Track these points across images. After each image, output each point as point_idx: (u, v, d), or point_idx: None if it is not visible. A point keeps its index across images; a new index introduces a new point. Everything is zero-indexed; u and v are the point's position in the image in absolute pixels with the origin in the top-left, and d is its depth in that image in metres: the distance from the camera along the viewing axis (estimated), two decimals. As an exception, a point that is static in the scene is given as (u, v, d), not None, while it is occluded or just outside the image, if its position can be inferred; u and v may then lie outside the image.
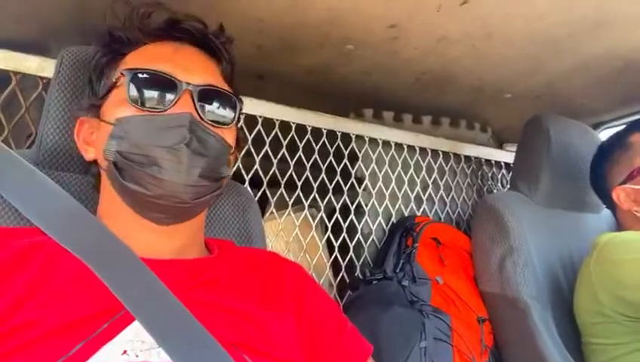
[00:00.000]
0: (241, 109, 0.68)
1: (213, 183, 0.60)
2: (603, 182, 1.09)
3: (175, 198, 0.57)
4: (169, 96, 0.59)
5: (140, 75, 0.60)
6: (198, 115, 0.60)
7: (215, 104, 0.63)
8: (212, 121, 0.62)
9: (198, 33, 0.67)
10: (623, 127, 1.13)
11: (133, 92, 0.59)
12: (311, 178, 1.19)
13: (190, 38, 0.67)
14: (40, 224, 0.59)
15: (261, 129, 1.09)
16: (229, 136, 0.64)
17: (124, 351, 0.51)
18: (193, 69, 0.63)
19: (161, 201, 0.57)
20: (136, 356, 0.51)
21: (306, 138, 1.17)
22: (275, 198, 1.12)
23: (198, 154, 0.57)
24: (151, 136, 0.57)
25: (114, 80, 0.62)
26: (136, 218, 0.60)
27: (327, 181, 1.21)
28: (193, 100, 0.60)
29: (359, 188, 1.28)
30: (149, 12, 0.67)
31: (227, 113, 0.64)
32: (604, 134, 1.53)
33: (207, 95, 0.62)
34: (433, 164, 1.40)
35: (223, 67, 0.69)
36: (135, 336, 0.52)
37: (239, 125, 1.03)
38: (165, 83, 0.60)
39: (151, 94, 0.60)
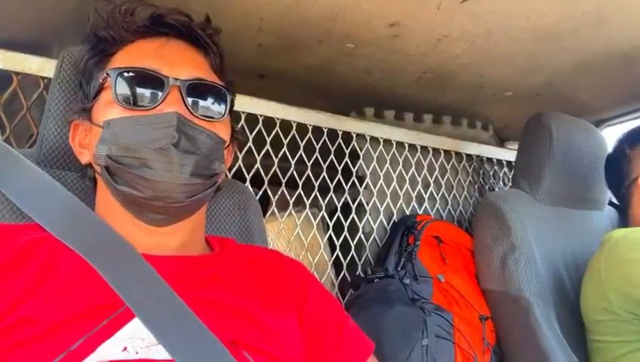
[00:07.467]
0: (232, 101, 0.67)
1: (206, 180, 0.59)
2: (626, 171, 1.09)
3: (168, 198, 0.56)
4: (157, 93, 0.58)
5: (126, 74, 0.59)
6: (188, 110, 0.59)
7: (205, 98, 0.61)
8: (203, 115, 0.60)
9: (183, 26, 0.65)
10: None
11: (120, 91, 0.58)
12: (312, 177, 1.19)
13: (175, 32, 0.65)
14: (40, 221, 0.59)
15: (262, 128, 1.09)
16: (222, 129, 0.63)
17: (124, 348, 0.51)
18: (180, 63, 0.61)
19: (156, 202, 0.57)
20: (136, 352, 0.51)
21: (307, 137, 1.17)
22: (276, 197, 1.12)
23: (188, 152, 0.56)
24: (139, 138, 0.56)
25: (101, 81, 0.61)
26: (133, 220, 0.60)
27: (328, 180, 1.21)
28: (182, 96, 0.58)
29: (360, 186, 1.28)
30: (131, 9, 0.65)
31: (218, 106, 0.63)
32: (607, 132, 1.53)
33: (195, 89, 0.60)
34: (434, 162, 1.40)
35: (211, 59, 0.67)
36: (135, 333, 0.52)
37: (240, 124, 1.05)
38: (152, 80, 0.59)
39: (138, 93, 0.59)
